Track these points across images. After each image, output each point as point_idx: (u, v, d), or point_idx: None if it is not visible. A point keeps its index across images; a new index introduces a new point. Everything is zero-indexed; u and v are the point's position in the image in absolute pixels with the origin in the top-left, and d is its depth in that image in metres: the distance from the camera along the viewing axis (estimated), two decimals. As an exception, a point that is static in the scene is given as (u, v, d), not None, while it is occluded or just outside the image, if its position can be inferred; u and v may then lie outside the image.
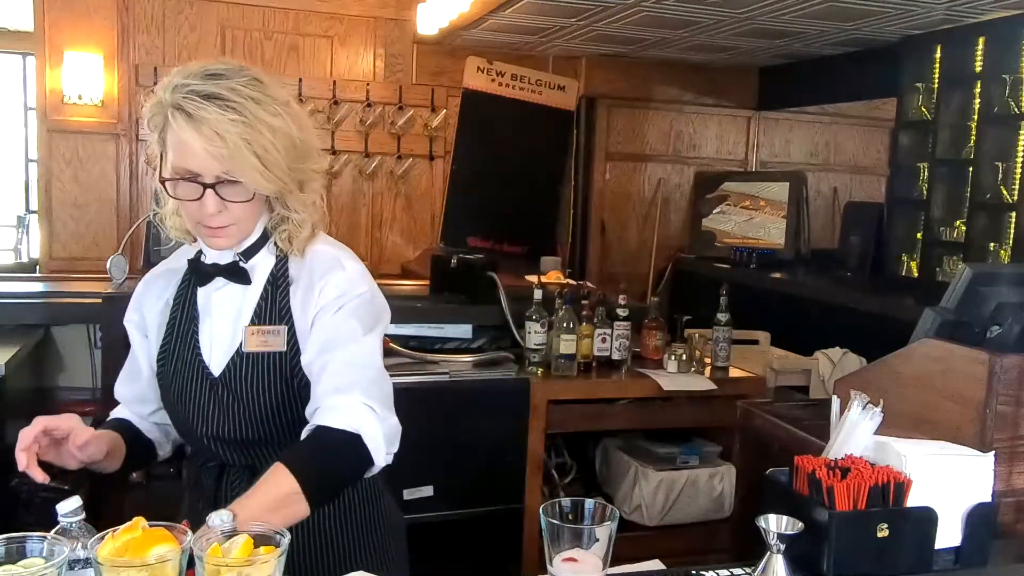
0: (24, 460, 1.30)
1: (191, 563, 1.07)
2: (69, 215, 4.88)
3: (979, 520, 1.43)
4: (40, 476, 1.31)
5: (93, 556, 1.04)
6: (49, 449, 1.36)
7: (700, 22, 4.48)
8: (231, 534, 1.10)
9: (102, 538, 1.06)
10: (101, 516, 1.30)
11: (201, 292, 1.48)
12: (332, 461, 1.33)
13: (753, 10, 4.17)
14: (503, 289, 3.16)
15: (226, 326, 1.45)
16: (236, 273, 1.44)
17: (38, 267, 5.07)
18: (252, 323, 1.43)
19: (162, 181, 1.37)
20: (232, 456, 1.47)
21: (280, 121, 1.34)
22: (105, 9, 4.83)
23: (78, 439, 1.36)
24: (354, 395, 1.34)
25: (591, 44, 5.21)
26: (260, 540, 1.09)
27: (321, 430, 1.33)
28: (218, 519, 1.16)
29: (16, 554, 1.07)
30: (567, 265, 5.24)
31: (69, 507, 1.17)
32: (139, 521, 1.08)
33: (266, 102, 1.33)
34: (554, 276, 4.01)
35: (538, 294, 3.06)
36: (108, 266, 3.48)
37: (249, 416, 1.43)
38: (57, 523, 1.17)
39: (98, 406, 3.56)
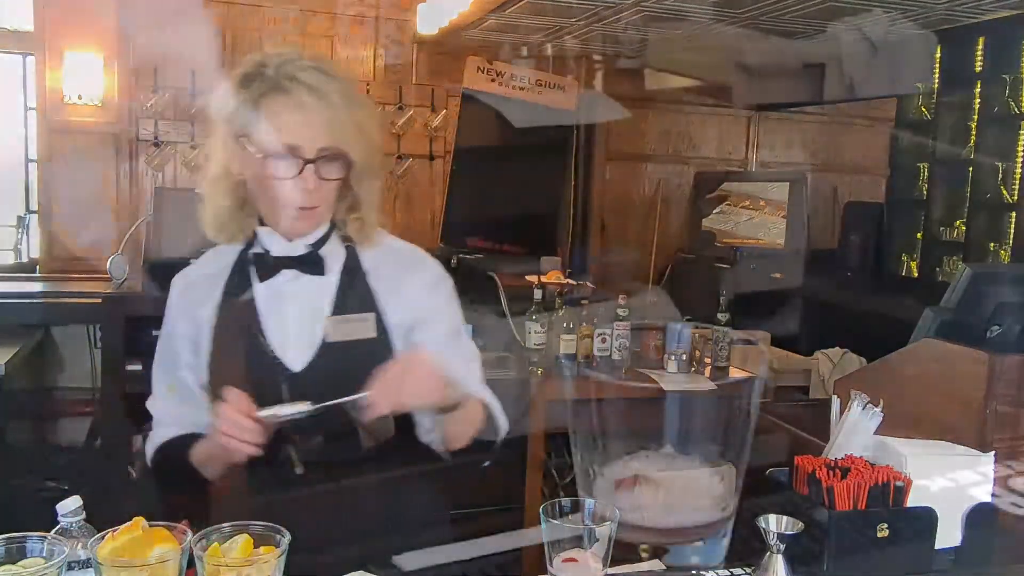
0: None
1: (191, 563, 1.07)
2: (69, 215, 4.87)
3: (979, 520, 1.43)
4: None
5: (93, 556, 1.04)
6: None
7: (700, 22, 4.48)
8: (231, 534, 1.10)
9: (102, 538, 1.06)
10: (101, 516, 1.30)
11: (262, 288, 1.44)
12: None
13: (753, 10, 4.16)
14: (503, 289, 3.16)
15: (301, 319, 1.43)
16: (310, 263, 1.43)
17: (38, 267, 5.06)
18: (333, 313, 1.43)
19: (264, 156, 1.34)
20: (307, 451, 1.42)
21: (365, 99, 1.45)
22: (105, 9, 4.82)
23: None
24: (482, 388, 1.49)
25: (591, 44, 5.21)
26: (260, 540, 1.09)
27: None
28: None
29: (16, 554, 1.07)
30: (567, 265, 5.23)
31: (69, 507, 1.17)
32: (139, 521, 1.08)
33: (347, 81, 1.40)
34: (554, 276, 4.01)
35: (538, 294, 3.06)
36: (108, 266, 3.49)
37: (338, 407, 1.35)
38: (57, 523, 1.17)
39: (97, 406, 3.56)
